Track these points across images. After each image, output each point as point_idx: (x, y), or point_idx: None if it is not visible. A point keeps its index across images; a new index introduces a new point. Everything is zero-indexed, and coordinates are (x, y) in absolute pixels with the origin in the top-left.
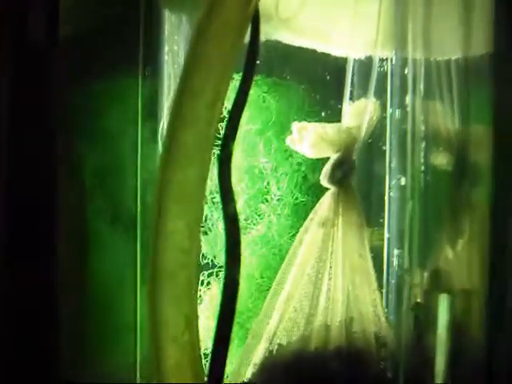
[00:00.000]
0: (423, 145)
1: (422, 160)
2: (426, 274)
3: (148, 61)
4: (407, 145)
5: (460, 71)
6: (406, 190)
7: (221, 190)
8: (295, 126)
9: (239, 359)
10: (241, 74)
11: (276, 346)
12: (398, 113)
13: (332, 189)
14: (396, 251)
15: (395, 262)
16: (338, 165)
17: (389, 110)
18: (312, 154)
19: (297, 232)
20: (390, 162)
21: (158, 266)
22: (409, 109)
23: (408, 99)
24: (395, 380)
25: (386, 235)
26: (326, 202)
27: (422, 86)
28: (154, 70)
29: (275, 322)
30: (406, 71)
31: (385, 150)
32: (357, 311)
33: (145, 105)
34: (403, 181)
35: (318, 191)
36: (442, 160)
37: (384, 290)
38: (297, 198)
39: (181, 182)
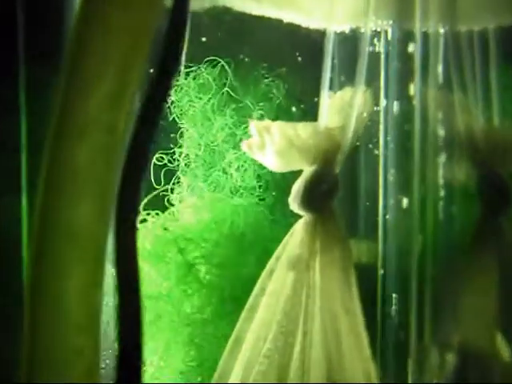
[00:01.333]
0: (439, 152)
1: (436, 174)
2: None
3: None
4: (414, 152)
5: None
6: (411, 217)
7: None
8: (254, 125)
9: None
10: None
11: None
12: (396, 106)
13: (306, 216)
14: (394, 296)
15: (393, 309)
16: (315, 182)
17: (382, 102)
18: (277, 165)
19: None
20: (385, 174)
21: None
22: (416, 101)
23: (413, 88)
24: None
25: (380, 272)
26: (297, 235)
27: (439, 70)
28: None
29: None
30: (410, 49)
31: (377, 156)
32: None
33: None
34: (405, 203)
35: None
36: (463, 174)
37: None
38: None
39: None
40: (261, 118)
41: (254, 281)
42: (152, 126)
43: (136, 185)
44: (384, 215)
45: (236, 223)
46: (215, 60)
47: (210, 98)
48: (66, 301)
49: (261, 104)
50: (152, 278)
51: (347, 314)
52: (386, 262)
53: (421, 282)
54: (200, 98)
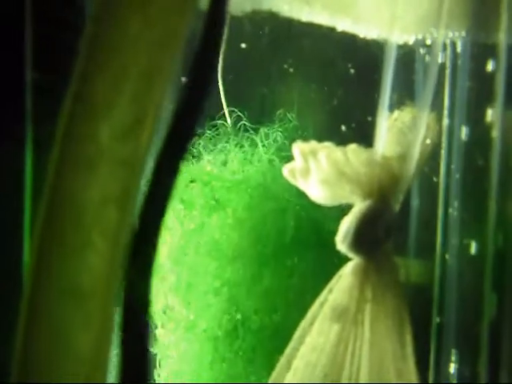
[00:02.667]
0: None
1: None
2: None
3: None
4: (491, 189)
5: None
6: (482, 267)
7: None
8: (298, 147)
9: None
10: None
11: None
12: (465, 132)
13: (356, 259)
14: (454, 353)
15: (452, 369)
16: (369, 220)
17: (445, 123)
18: (323, 196)
19: None
20: (446, 206)
21: None
22: (496, 129)
23: (492, 113)
24: None
25: (436, 321)
26: (345, 281)
27: None
28: None
29: None
30: (489, 67)
31: (436, 185)
32: None
33: None
34: (474, 247)
35: None
36: None
37: None
38: None
39: None
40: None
41: None
42: (174, 164)
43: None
44: (443, 257)
45: None
46: None
47: None
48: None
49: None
50: None
51: (400, 378)
52: (443, 311)
53: (494, 344)
54: None
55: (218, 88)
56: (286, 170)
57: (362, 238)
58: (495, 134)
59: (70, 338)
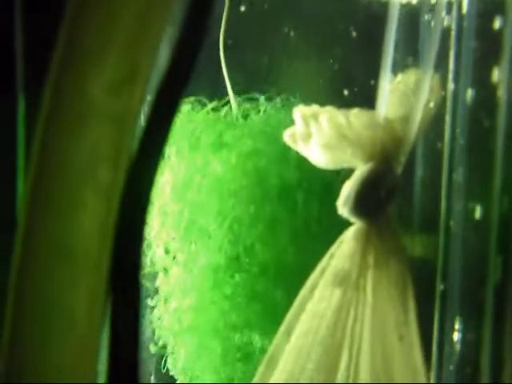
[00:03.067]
0: None
1: None
2: None
3: None
4: (496, 150)
5: None
6: (487, 232)
7: None
8: (299, 112)
9: None
10: None
11: None
12: (470, 94)
13: (357, 224)
14: (458, 320)
15: (456, 336)
16: (371, 183)
17: (450, 88)
18: (325, 160)
19: None
20: (450, 172)
21: None
22: (502, 90)
23: (498, 74)
24: None
25: (440, 288)
26: (346, 246)
27: None
28: None
29: None
30: (496, 24)
31: (440, 150)
32: None
33: None
34: (478, 212)
35: None
36: None
37: None
38: None
39: None
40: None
41: None
42: (166, 120)
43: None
44: (447, 223)
45: None
46: None
47: None
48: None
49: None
50: None
51: (402, 342)
52: (447, 277)
53: (499, 308)
54: None
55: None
56: (287, 135)
57: (364, 201)
58: (501, 93)
59: (61, 298)
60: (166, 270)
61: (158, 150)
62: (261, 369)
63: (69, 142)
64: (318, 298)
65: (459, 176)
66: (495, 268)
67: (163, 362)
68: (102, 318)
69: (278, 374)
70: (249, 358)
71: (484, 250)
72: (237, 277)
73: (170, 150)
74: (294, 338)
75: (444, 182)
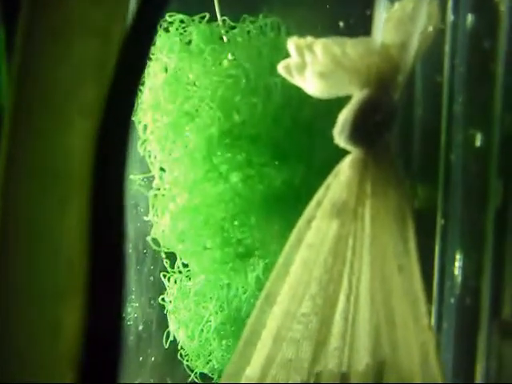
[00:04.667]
0: None
1: None
2: None
3: None
4: (496, 76)
5: None
6: (487, 157)
7: None
8: (293, 43)
9: None
10: None
11: None
12: (470, 21)
13: (354, 153)
14: (459, 253)
15: (457, 270)
16: (368, 109)
17: (450, 17)
18: (321, 89)
19: None
20: (450, 103)
21: None
22: (504, 15)
23: None
24: None
25: (441, 222)
26: (343, 175)
27: None
28: None
29: (257, 370)
30: None
31: (440, 84)
32: (393, 357)
33: None
34: (479, 139)
35: None
36: None
37: (434, 319)
38: None
39: None
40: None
41: None
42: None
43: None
44: (447, 154)
45: None
46: None
47: None
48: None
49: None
50: None
51: (401, 272)
52: (448, 210)
53: (499, 237)
54: None
55: None
56: (281, 67)
57: (360, 128)
58: (502, 16)
59: (47, 221)
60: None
61: (140, 62)
62: (259, 304)
63: (51, 61)
64: (316, 230)
65: (459, 106)
66: (496, 192)
67: None
68: (88, 238)
69: (277, 308)
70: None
71: (484, 175)
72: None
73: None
74: (292, 271)
75: (444, 115)
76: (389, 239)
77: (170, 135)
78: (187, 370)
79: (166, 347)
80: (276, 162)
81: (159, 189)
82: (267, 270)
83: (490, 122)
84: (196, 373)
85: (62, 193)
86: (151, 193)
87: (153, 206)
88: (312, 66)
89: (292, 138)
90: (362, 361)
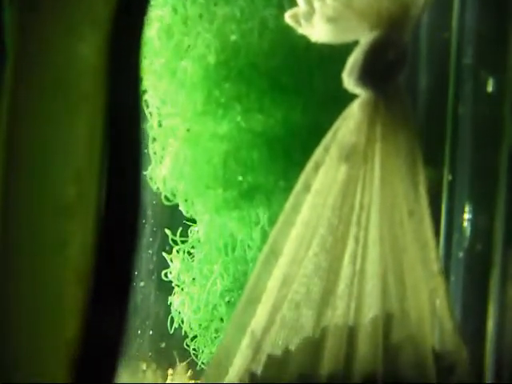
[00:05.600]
0: None
1: None
2: None
3: None
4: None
5: None
6: (501, 103)
7: None
8: None
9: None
10: None
11: (264, 359)
12: None
13: (364, 95)
14: (468, 206)
15: (466, 223)
16: (378, 49)
17: None
18: (330, 34)
19: None
20: (458, 57)
21: None
22: None
23: None
24: None
25: (448, 178)
26: (352, 119)
27: None
28: None
29: (263, 320)
30: None
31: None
32: (401, 308)
33: None
34: (491, 84)
35: None
36: None
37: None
38: None
39: None
40: None
41: None
42: None
43: None
44: (455, 103)
45: None
46: None
47: None
48: None
49: None
50: None
51: (411, 217)
52: (456, 164)
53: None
54: None
55: None
56: (288, 16)
57: (370, 70)
58: None
59: (57, 133)
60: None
61: None
62: (264, 254)
63: None
64: (324, 175)
65: (468, 59)
66: (510, 136)
67: None
68: (102, 154)
69: (284, 256)
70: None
71: (497, 119)
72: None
73: None
74: (300, 217)
75: (452, 67)
76: (399, 183)
77: (165, 73)
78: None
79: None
80: (275, 94)
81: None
82: (272, 222)
83: (503, 66)
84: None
85: (71, 104)
86: (150, 136)
87: (154, 153)
88: (321, 10)
89: (289, 69)
90: (370, 314)
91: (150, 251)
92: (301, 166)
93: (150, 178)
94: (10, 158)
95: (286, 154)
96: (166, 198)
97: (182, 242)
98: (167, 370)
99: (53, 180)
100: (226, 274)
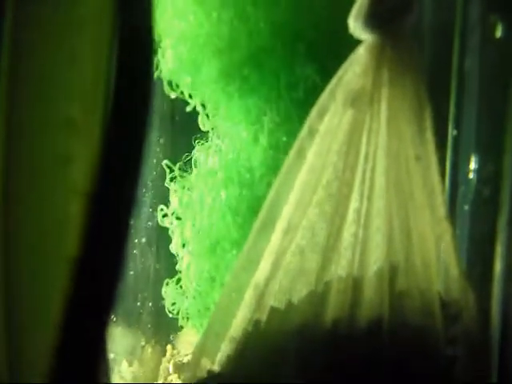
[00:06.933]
0: None
1: None
2: None
3: None
4: None
5: None
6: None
7: None
8: None
9: (206, 330)
10: None
11: (267, 312)
12: None
13: (370, 39)
14: (474, 158)
15: (472, 173)
16: None
17: None
18: None
19: None
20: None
21: None
22: None
23: None
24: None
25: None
26: (358, 63)
27: None
28: None
29: (266, 271)
30: None
31: None
32: (407, 255)
33: None
34: (499, 29)
35: None
36: None
37: None
38: None
39: None
40: None
41: None
42: None
43: None
44: (461, 53)
45: None
46: None
47: None
48: None
49: None
50: None
51: (418, 162)
52: (462, 118)
53: None
54: None
55: None
56: None
57: (376, 13)
58: None
59: (63, 48)
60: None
61: None
62: (255, 226)
63: None
64: (329, 120)
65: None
66: None
67: None
68: (108, 65)
69: (289, 205)
70: None
71: (505, 65)
72: None
73: None
74: (306, 161)
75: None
76: (405, 128)
77: None
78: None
79: None
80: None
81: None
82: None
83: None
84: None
85: (73, 43)
86: None
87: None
88: None
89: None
90: (376, 264)
91: (150, 223)
92: None
93: None
94: (13, 71)
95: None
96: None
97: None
98: (166, 345)
99: (57, 95)
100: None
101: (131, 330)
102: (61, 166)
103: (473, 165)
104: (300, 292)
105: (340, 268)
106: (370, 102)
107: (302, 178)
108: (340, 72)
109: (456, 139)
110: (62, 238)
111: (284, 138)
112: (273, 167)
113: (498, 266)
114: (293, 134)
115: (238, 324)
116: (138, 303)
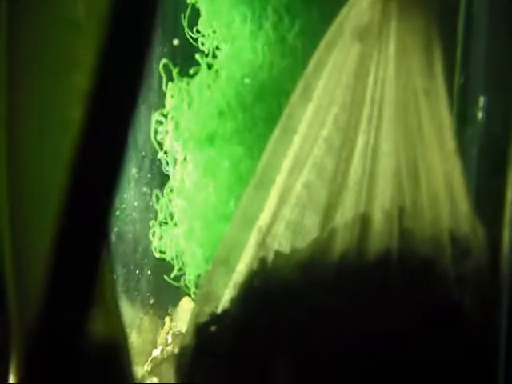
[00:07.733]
0: None
1: None
2: None
3: None
4: None
5: None
6: None
7: None
8: None
9: (209, 273)
10: None
11: (271, 255)
12: None
13: None
14: (482, 99)
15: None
16: None
17: None
18: None
19: None
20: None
21: None
22: None
23: None
24: (490, 313)
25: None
26: None
27: None
28: None
29: (270, 213)
30: None
31: None
32: (415, 193)
33: None
34: None
35: None
36: None
37: None
38: None
39: None
40: None
41: None
42: None
43: None
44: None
45: None
46: None
47: None
48: None
49: None
50: None
51: (427, 95)
52: (469, 64)
53: None
54: None
55: None
56: None
57: None
58: None
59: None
60: None
61: None
62: (260, 166)
63: None
64: (337, 54)
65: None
66: None
67: None
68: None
69: (297, 138)
70: None
71: None
72: None
73: None
74: (314, 96)
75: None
76: (414, 61)
77: None
78: None
79: None
80: None
81: None
82: None
83: None
84: None
85: None
86: None
87: None
88: None
89: None
90: (384, 203)
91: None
92: None
93: None
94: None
95: None
96: None
97: None
98: (164, 318)
99: (55, 36)
100: None
101: (130, 302)
102: (66, 69)
103: (481, 104)
104: (307, 228)
105: (348, 201)
106: (378, 36)
107: (309, 112)
108: (348, 5)
109: (463, 86)
110: (64, 141)
111: None
112: None
113: (508, 206)
114: None
115: (241, 269)
116: (137, 271)
